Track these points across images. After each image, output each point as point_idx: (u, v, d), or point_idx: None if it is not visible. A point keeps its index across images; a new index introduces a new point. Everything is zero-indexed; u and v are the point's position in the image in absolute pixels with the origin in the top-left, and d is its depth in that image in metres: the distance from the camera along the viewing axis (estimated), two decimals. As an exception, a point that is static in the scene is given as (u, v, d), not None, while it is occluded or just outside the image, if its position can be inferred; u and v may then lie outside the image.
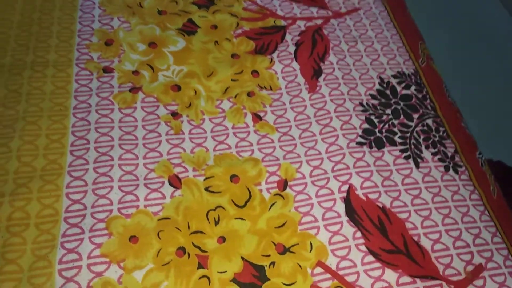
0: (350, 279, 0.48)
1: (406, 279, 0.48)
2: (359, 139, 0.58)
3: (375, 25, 0.73)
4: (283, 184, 0.54)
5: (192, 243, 0.48)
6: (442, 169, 0.58)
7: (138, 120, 0.57)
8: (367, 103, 0.62)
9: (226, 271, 0.47)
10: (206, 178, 0.53)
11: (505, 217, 0.57)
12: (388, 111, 0.62)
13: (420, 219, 0.53)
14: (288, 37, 0.69)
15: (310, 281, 0.47)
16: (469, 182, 0.57)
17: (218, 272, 0.47)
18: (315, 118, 0.60)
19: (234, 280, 0.47)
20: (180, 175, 0.53)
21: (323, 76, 0.64)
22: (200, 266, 0.47)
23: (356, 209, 0.52)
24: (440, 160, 0.58)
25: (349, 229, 0.51)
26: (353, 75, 0.65)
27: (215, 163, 0.55)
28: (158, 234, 0.48)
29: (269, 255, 0.48)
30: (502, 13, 1.47)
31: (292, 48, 0.67)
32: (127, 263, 0.46)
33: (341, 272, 0.48)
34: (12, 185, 0.50)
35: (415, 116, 0.62)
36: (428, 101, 0.65)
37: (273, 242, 0.49)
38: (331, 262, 0.49)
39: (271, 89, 0.63)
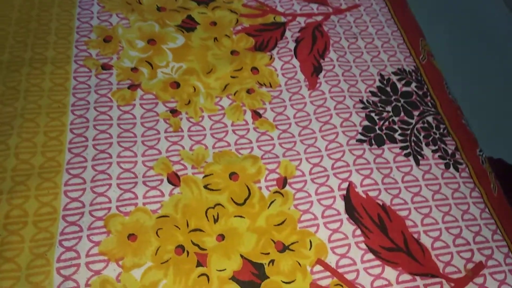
0: (349, 277, 0.48)
1: (406, 277, 0.48)
2: (359, 137, 0.58)
3: (375, 21, 0.72)
4: (283, 182, 0.53)
5: (191, 241, 0.48)
6: (442, 166, 0.57)
7: (137, 117, 0.57)
8: (367, 100, 0.62)
9: (225, 269, 0.47)
10: (205, 176, 0.53)
11: (506, 215, 0.56)
12: (389, 108, 0.62)
13: (420, 217, 0.53)
14: (288, 33, 0.68)
15: (309, 279, 0.47)
16: (470, 180, 0.57)
17: (217, 270, 0.47)
18: (315, 115, 0.60)
19: (233, 278, 0.46)
20: (179, 173, 0.53)
21: (323, 73, 0.64)
22: (199, 264, 0.47)
23: (356, 207, 0.52)
24: (440, 157, 0.58)
25: (349, 227, 0.51)
26: (353, 72, 0.65)
27: (214, 160, 0.54)
28: (156, 232, 0.48)
29: (268, 253, 0.48)
30: (503, 10, 1.46)
31: (292, 45, 0.67)
32: (125, 261, 0.46)
33: (340, 270, 0.48)
34: (10, 183, 0.50)
35: (416, 113, 0.62)
36: (429, 98, 0.64)
37: (272, 240, 0.49)
38: (331, 260, 0.49)
39: (270, 86, 0.62)
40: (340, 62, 0.66)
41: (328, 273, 0.48)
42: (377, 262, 0.49)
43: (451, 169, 0.57)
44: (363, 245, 0.50)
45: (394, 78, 0.65)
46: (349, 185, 0.54)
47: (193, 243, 0.48)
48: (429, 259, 0.50)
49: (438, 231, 0.52)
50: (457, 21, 1.40)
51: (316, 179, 0.54)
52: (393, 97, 0.63)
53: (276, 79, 0.63)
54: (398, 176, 0.56)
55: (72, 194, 0.50)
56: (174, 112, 0.58)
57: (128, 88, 0.59)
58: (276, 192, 0.53)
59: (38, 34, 0.63)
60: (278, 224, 0.50)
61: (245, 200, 0.52)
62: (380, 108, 0.61)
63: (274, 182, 0.53)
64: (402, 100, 0.63)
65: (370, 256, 0.49)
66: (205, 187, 0.52)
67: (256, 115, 0.59)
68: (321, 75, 0.64)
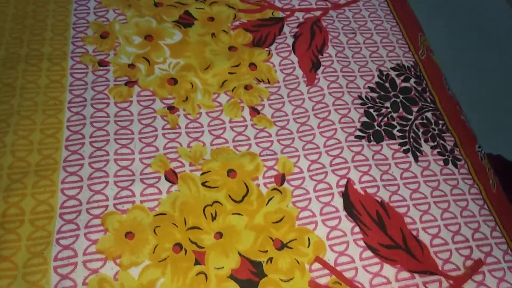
0: (348, 274, 0.48)
1: (404, 274, 0.48)
2: (358, 133, 0.58)
3: (374, 16, 0.72)
4: (281, 179, 0.53)
5: (189, 239, 0.48)
6: (441, 162, 0.57)
7: (134, 114, 0.56)
8: (366, 96, 0.62)
9: (223, 267, 0.47)
10: (203, 173, 0.53)
11: (505, 211, 0.56)
12: (387, 104, 0.61)
13: (419, 214, 0.52)
14: (286, 29, 0.68)
15: (308, 277, 0.47)
16: (469, 176, 0.57)
17: (215, 268, 0.46)
18: (313, 111, 0.60)
19: (231, 276, 0.46)
20: (177, 170, 0.52)
21: (321, 68, 0.64)
22: (197, 262, 0.47)
23: (354, 204, 0.52)
24: (439, 153, 0.58)
25: (347, 224, 0.51)
26: (352, 67, 0.65)
27: (212, 157, 0.54)
28: (154, 230, 0.48)
29: (266, 251, 0.48)
30: (503, 5, 1.45)
31: (290, 40, 0.67)
32: (123, 259, 0.46)
33: (339, 268, 0.48)
34: (6, 181, 0.49)
35: (414, 109, 0.61)
36: (428, 94, 0.64)
37: (270, 238, 0.49)
38: (329, 257, 0.48)
39: (268, 82, 0.62)
40: (339, 58, 0.65)
41: (326, 271, 0.48)
42: (376, 260, 0.49)
43: (450, 166, 0.57)
44: (361, 243, 0.49)
45: (393, 73, 0.65)
46: (347, 181, 0.53)
47: (191, 241, 0.48)
48: (428, 256, 0.50)
49: (437, 228, 0.52)
50: (456, 16, 1.40)
51: (315, 176, 0.54)
52: (392, 93, 0.63)
53: (274, 75, 0.63)
54: (397, 172, 0.55)
55: (69, 192, 0.49)
56: (171, 108, 0.58)
57: (125, 84, 0.59)
58: (274, 189, 0.52)
59: (34, 30, 0.63)
60: (276, 222, 0.50)
61: (243, 197, 0.51)
62: (379, 104, 0.61)
63: (272, 179, 0.53)
64: (401, 96, 0.62)
65: (368, 253, 0.49)
66: (203, 184, 0.52)
67: (254, 111, 0.59)
68: (319, 71, 0.63)
